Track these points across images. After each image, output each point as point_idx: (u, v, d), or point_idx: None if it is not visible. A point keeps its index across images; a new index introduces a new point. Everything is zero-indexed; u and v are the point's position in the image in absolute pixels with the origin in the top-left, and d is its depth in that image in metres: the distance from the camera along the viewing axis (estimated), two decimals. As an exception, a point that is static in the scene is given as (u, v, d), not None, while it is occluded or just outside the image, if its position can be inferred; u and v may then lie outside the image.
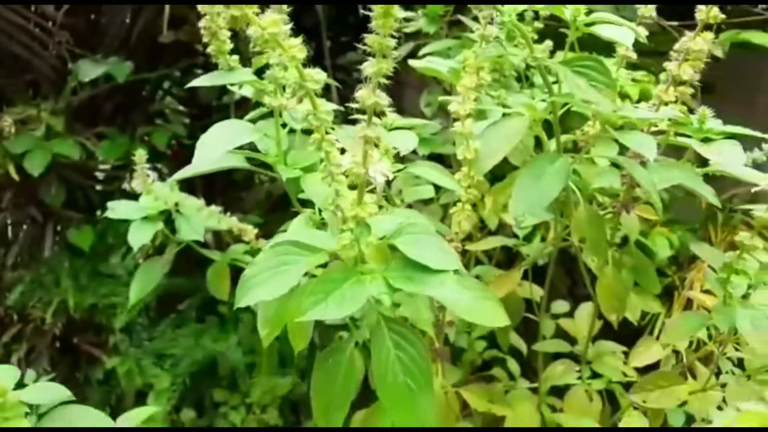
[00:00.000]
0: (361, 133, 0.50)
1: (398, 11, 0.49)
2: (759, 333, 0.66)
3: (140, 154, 0.95)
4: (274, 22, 0.48)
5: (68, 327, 1.58)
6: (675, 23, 1.16)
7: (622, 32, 0.71)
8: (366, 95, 0.49)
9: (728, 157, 0.70)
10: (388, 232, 0.53)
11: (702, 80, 0.92)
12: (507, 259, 1.11)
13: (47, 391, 0.63)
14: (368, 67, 0.50)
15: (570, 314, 1.04)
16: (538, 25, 0.93)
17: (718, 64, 1.27)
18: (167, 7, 1.28)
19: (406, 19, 1.19)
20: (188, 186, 1.09)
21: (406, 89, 1.41)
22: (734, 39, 1.26)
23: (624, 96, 0.98)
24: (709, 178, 0.79)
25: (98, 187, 1.65)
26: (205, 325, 1.60)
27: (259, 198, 1.67)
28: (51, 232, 1.57)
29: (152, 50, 1.56)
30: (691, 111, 0.79)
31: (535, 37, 0.91)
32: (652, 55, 1.12)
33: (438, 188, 0.98)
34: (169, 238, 1.01)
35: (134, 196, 1.07)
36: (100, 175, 1.68)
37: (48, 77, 1.53)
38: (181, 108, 1.73)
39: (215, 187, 1.62)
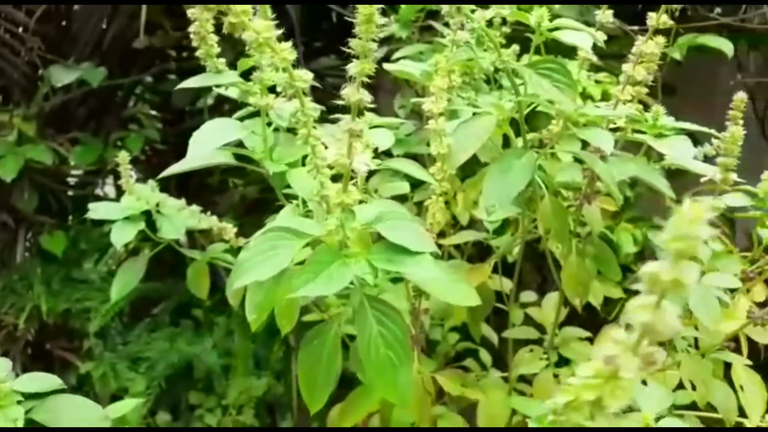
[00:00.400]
0: (346, 126, 0.54)
1: (378, 18, 0.53)
2: (710, 312, 0.72)
3: (123, 156, 0.97)
4: (267, 27, 0.51)
5: (41, 332, 1.56)
6: (636, 28, 1.23)
7: (581, 37, 0.77)
8: (351, 92, 0.53)
9: (678, 151, 0.76)
10: (370, 218, 0.57)
11: (664, 82, 0.98)
12: (478, 254, 1.15)
13: (39, 381, 0.65)
14: (353, 68, 0.54)
15: (538, 304, 1.09)
16: (506, 30, 0.98)
17: (679, 67, 1.34)
18: (144, 13, 1.30)
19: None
20: (162, 189, 1.10)
21: (379, 92, 1.45)
22: (692, 43, 1.32)
23: (587, 96, 1.04)
24: (672, 175, 0.85)
25: (71, 193, 1.65)
26: (179, 329, 1.60)
27: (233, 201, 1.68)
28: (23, 238, 1.57)
29: (125, 56, 1.57)
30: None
31: (503, 41, 0.95)
32: (615, 57, 1.18)
33: (412, 187, 1.02)
34: (144, 241, 1.02)
35: (107, 200, 1.08)
36: (72, 181, 1.68)
37: (19, 83, 1.53)
38: (154, 113, 1.75)
39: (189, 191, 1.63)
